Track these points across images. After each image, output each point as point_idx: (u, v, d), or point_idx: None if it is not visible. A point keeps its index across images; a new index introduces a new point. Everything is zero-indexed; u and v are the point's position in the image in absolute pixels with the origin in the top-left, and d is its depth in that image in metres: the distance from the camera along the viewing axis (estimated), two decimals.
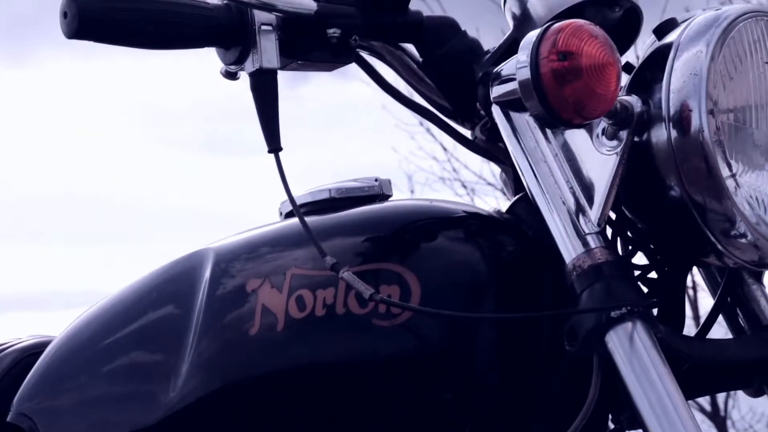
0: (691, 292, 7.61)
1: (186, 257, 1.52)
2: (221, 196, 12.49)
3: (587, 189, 1.33)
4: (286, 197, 1.40)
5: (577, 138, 1.35)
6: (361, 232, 1.44)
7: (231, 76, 1.41)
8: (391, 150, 9.16)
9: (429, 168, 9.15)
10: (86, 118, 11.73)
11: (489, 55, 1.46)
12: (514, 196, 1.49)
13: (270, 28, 1.37)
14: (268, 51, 1.36)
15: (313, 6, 1.39)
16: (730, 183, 1.27)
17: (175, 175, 12.17)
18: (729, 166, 1.27)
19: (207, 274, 1.46)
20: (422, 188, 9.52)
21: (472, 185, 9.17)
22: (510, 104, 1.35)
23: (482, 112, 1.46)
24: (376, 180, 1.53)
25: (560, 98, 1.24)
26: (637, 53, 1.45)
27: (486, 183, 8.78)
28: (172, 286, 1.50)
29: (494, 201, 8.71)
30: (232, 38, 1.37)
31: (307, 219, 1.43)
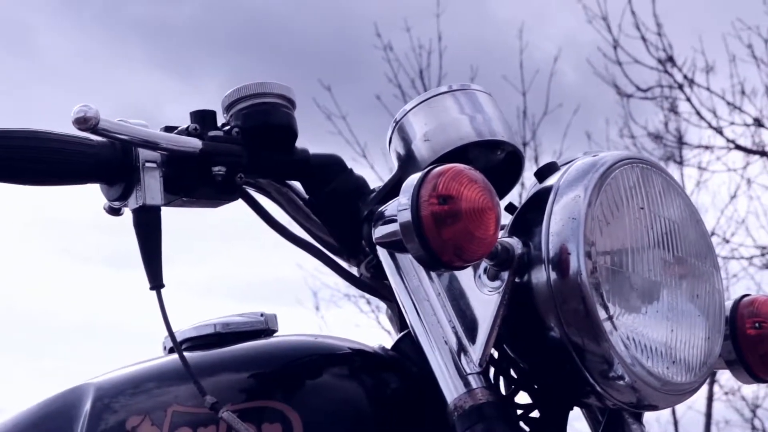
0: None
1: (66, 392, 1.49)
2: (124, 311, 12.30)
3: (470, 328, 1.34)
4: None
5: (460, 278, 1.37)
6: (244, 368, 1.43)
7: (114, 212, 1.40)
8: (296, 266, 9.14)
9: (334, 284, 9.15)
10: None
11: (374, 193, 1.47)
12: (400, 332, 1.50)
13: (154, 165, 1.36)
14: (151, 188, 1.36)
15: (198, 144, 1.39)
16: (607, 325, 1.29)
17: (77, 288, 11.96)
18: (606, 308, 1.29)
19: (86, 409, 1.43)
20: (327, 304, 9.51)
21: (376, 302, 9.17)
22: (392, 245, 1.36)
23: (368, 250, 1.47)
24: (261, 315, 1.52)
25: (440, 241, 1.24)
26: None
27: None
28: (50, 423, 1.47)
29: None
30: (115, 175, 1.36)
31: (191, 354, 1.42)
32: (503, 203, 1.47)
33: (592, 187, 1.32)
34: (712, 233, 8.90)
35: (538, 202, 1.34)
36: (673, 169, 9.28)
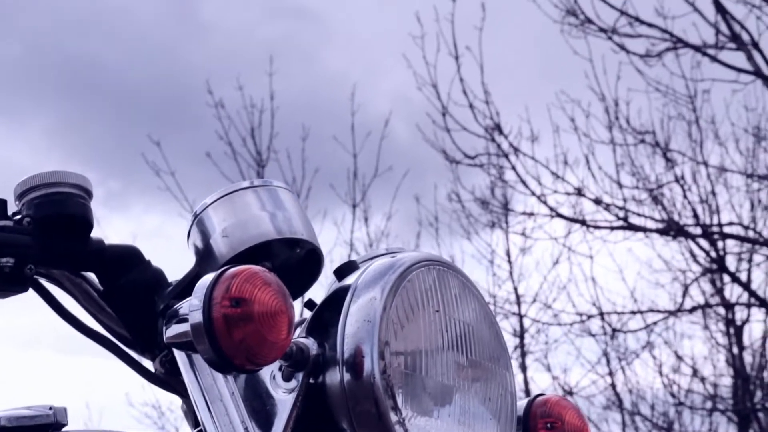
0: None
1: None
2: None
3: (263, 430, 1.32)
4: None
5: (255, 377, 1.35)
6: None
7: None
8: None
9: None
10: None
11: (171, 288, 1.44)
12: (194, 429, 1.46)
13: None
14: None
15: None
16: (398, 428, 1.29)
17: None
18: (398, 411, 1.29)
19: None
20: None
21: None
22: (184, 345, 1.33)
23: (163, 345, 1.44)
24: (50, 408, 1.48)
25: (231, 344, 1.23)
26: None
27: None
28: None
29: None
30: None
31: None
32: (305, 298, 1.47)
33: (389, 289, 1.32)
34: (534, 299, 9.11)
35: (336, 301, 1.34)
36: (498, 235, 9.48)
